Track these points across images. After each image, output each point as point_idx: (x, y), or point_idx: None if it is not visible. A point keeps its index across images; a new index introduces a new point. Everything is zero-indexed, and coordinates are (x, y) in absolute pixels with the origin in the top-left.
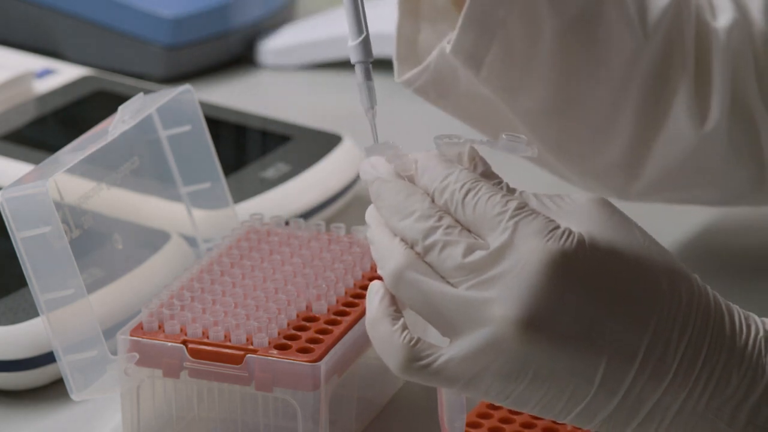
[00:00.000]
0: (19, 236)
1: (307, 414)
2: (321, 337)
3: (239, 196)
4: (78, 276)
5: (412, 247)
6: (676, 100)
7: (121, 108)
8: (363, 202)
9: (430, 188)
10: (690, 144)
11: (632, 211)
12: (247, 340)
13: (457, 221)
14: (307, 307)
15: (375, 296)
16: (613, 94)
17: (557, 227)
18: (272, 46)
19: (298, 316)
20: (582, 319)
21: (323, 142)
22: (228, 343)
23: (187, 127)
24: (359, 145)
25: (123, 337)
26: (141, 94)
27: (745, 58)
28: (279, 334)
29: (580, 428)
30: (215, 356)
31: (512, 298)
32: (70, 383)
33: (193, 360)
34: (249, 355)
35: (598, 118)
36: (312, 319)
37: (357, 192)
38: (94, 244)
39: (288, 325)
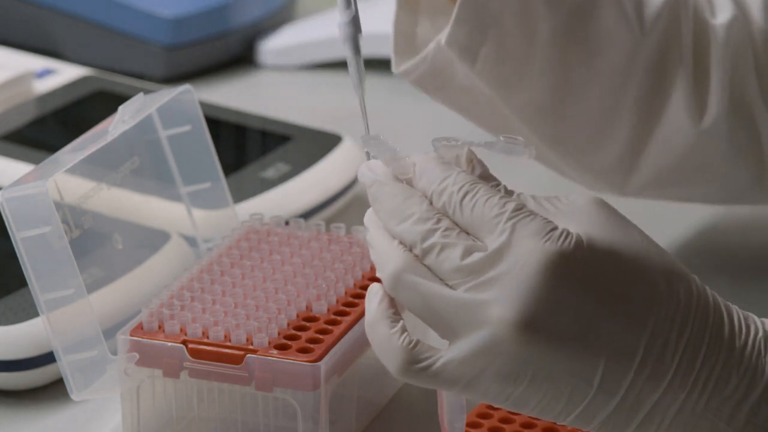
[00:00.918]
0: (19, 236)
1: (307, 414)
2: (321, 337)
3: (239, 196)
4: (78, 276)
5: (410, 250)
6: (674, 96)
7: (121, 108)
8: (363, 203)
9: (428, 191)
10: (688, 140)
11: (632, 210)
12: (247, 340)
13: (456, 223)
14: (307, 307)
15: (374, 299)
16: (609, 90)
17: (555, 228)
18: (272, 46)
19: (298, 316)
20: (580, 320)
21: (323, 142)
22: (228, 343)
23: (187, 127)
24: (359, 145)
25: (123, 337)
26: (141, 94)
27: (744, 55)
28: (279, 334)
29: (579, 430)
30: (215, 356)
31: (510, 299)
32: (70, 383)
33: (193, 360)
34: (249, 355)
35: (594, 113)
36: (312, 319)
37: (357, 192)
38: (94, 244)
39: (288, 325)
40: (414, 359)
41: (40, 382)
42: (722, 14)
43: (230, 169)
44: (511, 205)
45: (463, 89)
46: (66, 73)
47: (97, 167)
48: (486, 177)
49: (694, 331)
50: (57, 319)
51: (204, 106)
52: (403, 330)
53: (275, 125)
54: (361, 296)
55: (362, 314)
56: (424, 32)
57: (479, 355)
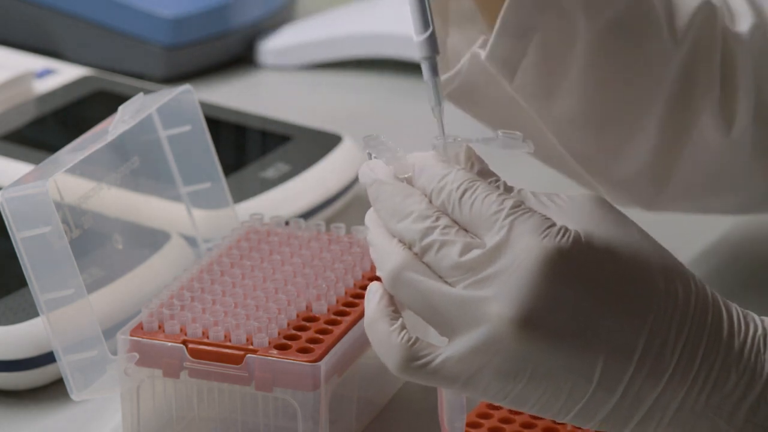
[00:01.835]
0: (19, 236)
1: (307, 414)
2: (321, 337)
3: (239, 196)
4: (78, 276)
5: (410, 248)
6: (704, 106)
7: (121, 108)
8: (363, 202)
9: (427, 189)
10: (717, 150)
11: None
12: (247, 340)
13: (455, 221)
14: (307, 307)
15: (373, 297)
16: (642, 101)
17: (553, 225)
18: (272, 46)
19: (298, 316)
20: (578, 317)
21: (323, 142)
22: (228, 343)
23: (187, 127)
24: (359, 145)
25: (123, 337)
26: (141, 94)
27: (766, 60)
28: (279, 334)
29: (580, 428)
30: (215, 356)
31: (508, 296)
32: (70, 383)
33: (193, 360)
34: (249, 355)
35: (626, 125)
36: (312, 319)
37: (357, 192)
38: (94, 244)
39: (288, 325)
40: (413, 356)
41: (40, 382)
42: (743, 22)
43: (230, 169)
44: (509, 203)
45: (497, 102)
46: (66, 73)
47: (97, 167)
48: (485, 173)
49: (693, 328)
50: (57, 319)
51: (204, 106)
52: (403, 327)
53: (275, 125)
54: (361, 296)
55: (362, 314)
56: (455, 43)
57: (478, 352)
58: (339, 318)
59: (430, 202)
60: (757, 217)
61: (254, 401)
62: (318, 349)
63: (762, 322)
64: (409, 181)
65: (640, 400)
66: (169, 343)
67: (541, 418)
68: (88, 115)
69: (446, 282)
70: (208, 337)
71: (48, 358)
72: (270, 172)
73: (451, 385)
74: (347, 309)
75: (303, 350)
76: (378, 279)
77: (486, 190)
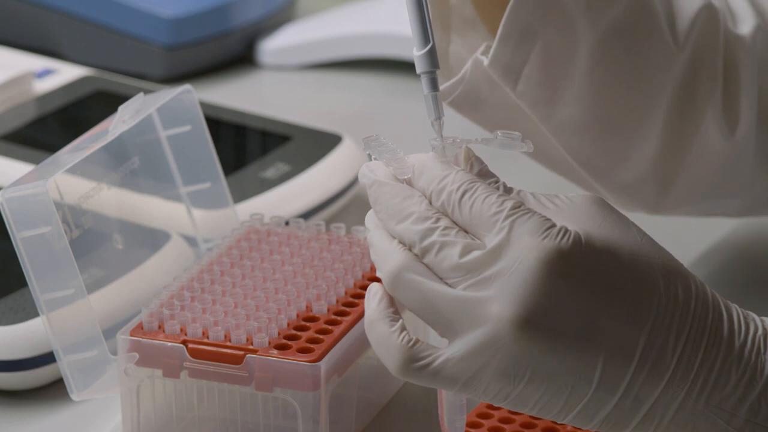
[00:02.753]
0: (19, 236)
1: (307, 414)
2: (321, 337)
3: (239, 196)
4: (78, 276)
5: (410, 249)
6: (707, 110)
7: (121, 108)
8: (363, 202)
9: (427, 190)
10: (720, 153)
11: (640, 218)
12: (247, 340)
13: (455, 222)
14: (307, 307)
15: (373, 298)
16: (645, 105)
17: (553, 226)
18: (272, 46)
19: (298, 316)
20: (578, 318)
21: (323, 142)
22: (228, 343)
23: (187, 127)
24: (359, 145)
25: (123, 337)
26: (141, 94)
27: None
28: (279, 334)
29: (580, 429)
30: (215, 356)
31: (509, 296)
32: (70, 383)
33: (193, 360)
34: (249, 355)
35: (629, 130)
36: (312, 319)
37: (357, 192)
38: (94, 244)
39: (288, 325)
40: (413, 357)
41: (40, 382)
42: (745, 24)
43: (230, 169)
44: (509, 203)
45: (498, 108)
46: (66, 73)
47: (97, 167)
48: (485, 174)
49: (693, 329)
50: (57, 319)
51: (204, 106)
52: (403, 328)
53: (275, 125)
54: (361, 296)
55: (362, 314)
56: (456, 50)
57: (478, 352)
58: (339, 318)
59: (430, 203)
60: (758, 219)
61: (254, 401)
62: (318, 349)
63: (762, 322)
64: (409, 182)
65: (641, 401)
66: (169, 343)
67: (541, 419)
68: (88, 115)
69: (446, 283)
70: (208, 337)
71: (48, 358)
72: (270, 172)
73: (452, 386)
74: (347, 309)
75: (303, 350)
76: (378, 280)
77: (486, 191)
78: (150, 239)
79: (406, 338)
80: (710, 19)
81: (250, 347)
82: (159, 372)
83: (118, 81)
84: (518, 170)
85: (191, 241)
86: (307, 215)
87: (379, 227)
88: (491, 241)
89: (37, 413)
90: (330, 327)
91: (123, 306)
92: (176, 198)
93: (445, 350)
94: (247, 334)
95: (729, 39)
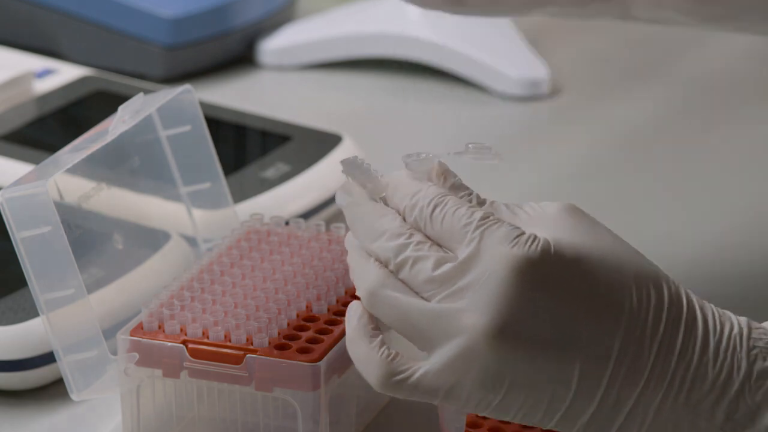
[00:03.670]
0: (19, 236)
1: (307, 414)
2: (321, 337)
3: (239, 196)
4: (78, 276)
5: (386, 266)
6: None
7: (121, 108)
8: None
9: (400, 207)
10: None
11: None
12: (247, 340)
13: (428, 237)
14: (307, 308)
15: (353, 316)
16: None
17: (522, 234)
18: (272, 46)
19: (298, 316)
20: (551, 324)
21: (323, 142)
22: (228, 343)
23: (187, 127)
24: (359, 146)
25: (123, 337)
26: (141, 94)
27: None
28: (279, 334)
29: None
30: (215, 356)
31: (481, 306)
32: (70, 383)
33: (193, 360)
34: (249, 355)
35: None
36: (312, 319)
37: None
38: (94, 244)
39: (288, 325)
40: (393, 371)
41: (40, 382)
42: None
43: (230, 169)
44: (478, 214)
45: None
46: (66, 73)
47: (97, 167)
48: (458, 187)
49: (667, 329)
50: (57, 319)
51: (204, 106)
52: (382, 344)
53: (275, 125)
54: None
55: None
56: None
57: (455, 363)
58: (339, 318)
59: (404, 220)
60: (746, 220)
61: (254, 401)
62: (318, 349)
63: (738, 321)
64: (385, 201)
65: (621, 403)
66: (169, 343)
67: None
68: (88, 115)
69: (422, 297)
70: (208, 337)
71: (48, 358)
72: (270, 172)
73: (433, 398)
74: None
75: (303, 350)
76: (359, 298)
77: (456, 204)
78: (150, 239)
79: (386, 353)
80: None
81: (250, 347)
82: (159, 372)
83: (118, 81)
84: (492, 181)
85: (191, 241)
86: (307, 215)
87: (356, 247)
88: (462, 252)
89: (37, 413)
90: (330, 327)
91: (123, 306)
92: (176, 198)
93: (424, 363)
94: (247, 334)
95: None
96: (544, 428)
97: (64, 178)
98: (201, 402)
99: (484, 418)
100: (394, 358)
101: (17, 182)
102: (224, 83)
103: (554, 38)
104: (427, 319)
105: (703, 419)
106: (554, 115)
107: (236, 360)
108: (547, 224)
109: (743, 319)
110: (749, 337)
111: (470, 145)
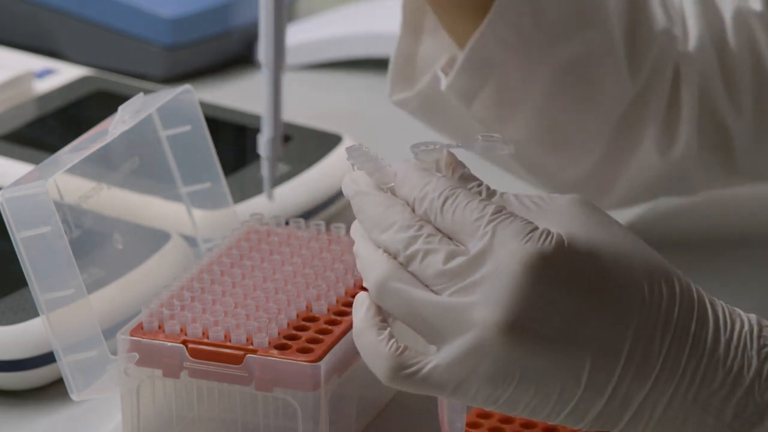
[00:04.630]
0: (19, 236)
1: (307, 414)
2: (321, 337)
3: (239, 196)
4: (78, 276)
5: (394, 258)
6: (648, 131)
7: (121, 108)
8: None
9: (409, 198)
10: (658, 167)
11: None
12: (247, 340)
13: (438, 229)
14: (307, 307)
15: (360, 307)
16: (592, 128)
17: (535, 229)
18: None
19: (298, 316)
20: (563, 320)
21: (323, 142)
22: (228, 343)
23: (187, 127)
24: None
25: (123, 337)
26: (141, 94)
27: (712, 70)
28: (279, 334)
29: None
30: (215, 356)
31: (493, 301)
32: (70, 383)
33: (193, 360)
34: (249, 355)
35: (575, 146)
36: (312, 319)
37: None
38: (94, 244)
39: (288, 325)
40: (402, 365)
41: (40, 382)
42: (692, 38)
43: (230, 169)
44: (490, 208)
45: (454, 116)
46: (66, 73)
47: (97, 167)
48: (467, 178)
49: (678, 327)
50: (57, 319)
51: (204, 106)
52: (390, 336)
53: None
54: None
55: None
56: (426, 51)
57: (466, 358)
58: (339, 318)
59: (413, 211)
60: (750, 218)
61: (254, 401)
62: (318, 349)
63: (749, 318)
64: (392, 191)
65: (629, 400)
66: (169, 343)
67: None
68: (88, 115)
69: (432, 290)
70: (208, 337)
71: (48, 358)
72: None
73: (441, 392)
74: (347, 309)
75: (303, 350)
76: (366, 289)
77: (467, 197)
78: (150, 239)
79: (394, 346)
80: (667, 44)
81: (250, 347)
82: (159, 372)
83: (118, 81)
84: (499, 173)
85: (191, 241)
86: (307, 215)
87: (364, 237)
88: (474, 246)
89: (37, 413)
90: (330, 327)
91: (123, 306)
92: (176, 198)
93: (433, 357)
94: (247, 334)
95: (678, 61)
96: (551, 423)
97: (64, 178)
98: (201, 402)
99: (485, 417)
100: (402, 352)
101: (17, 182)
102: (224, 83)
103: None
104: (437, 312)
105: (711, 416)
106: None
107: (236, 360)
108: (558, 218)
109: (753, 317)
110: (759, 335)
111: (480, 137)
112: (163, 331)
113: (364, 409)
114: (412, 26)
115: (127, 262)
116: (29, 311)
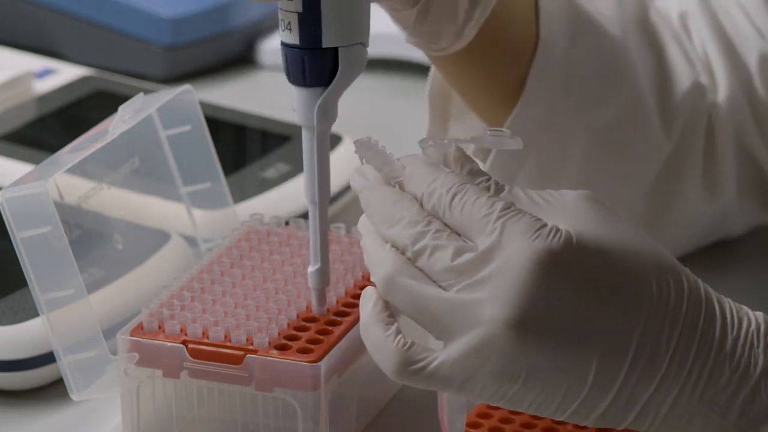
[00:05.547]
0: (19, 236)
1: (307, 414)
2: (321, 337)
3: (239, 196)
4: (78, 276)
5: (402, 253)
6: (687, 186)
7: (121, 108)
8: None
9: (417, 193)
10: (701, 219)
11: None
12: (247, 340)
13: (446, 225)
14: (307, 308)
15: (368, 302)
16: (632, 186)
17: (544, 226)
18: (272, 46)
19: (298, 316)
20: (571, 317)
21: None
22: (228, 344)
23: (187, 127)
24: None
25: (123, 337)
26: (141, 94)
27: (744, 118)
28: (279, 334)
29: (579, 428)
30: (215, 356)
31: (501, 298)
32: (70, 383)
33: (193, 360)
34: (249, 355)
35: (615, 204)
36: (312, 319)
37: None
38: (94, 244)
39: (288, 325)
40: (409, 361)
41: (40, 382)
42: (721, 88)
43: (230, 169)
44: (499, 205)
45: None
46: (66, 73)
47: (97, 167)
48: (475, 173)
49: (686, 325)
50: (57, 319)
51: (204, 106)
52: (398, 332)
53: (275, 125)
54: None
55: None
56: (455, 134)
57: (473, 354)
58: (339, 318)
59: (421, 206)
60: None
61: (254, 401)
62: (318, 349)
63: (756, 317)
64: (401, 185)
65: (635, 398)
66: (169, 343)
67: (541, 418)
68: (88, 115)
69: (440, 286)
70: (208, 338)
71: (48, 358)
72: (270, 172)
73: (448, 388)
74: (347, 309)
75: (303, 350)
76: (373, 284)
77: (476, 193)
78: (150, 239)
79: (402, 341)
80: (698, 97)
81: (250, 347)
82: (159, 372)
83: (118, 81)
84: None
85: (191, 241)
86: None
87: (371, 232)
88: (483, 243)
89: (37, 413)
90: (330, 327)
91: (123, 306)
92: (176, 198)
93: (441, 353)
94: (247, 334)
95: (710, 112)
96: (556, 419)
97: (64, 178)
98: (201, 402)
99: (485, 418)
100: (410, 347)
101: (17, 182)
102: (224, 83)
103: None
104: (445, 308)
105: (717, 414)
106: None
107: (236, 360)
108: (567, 214)
109: (760, 315)
110: (766, 333)
111: (488, 131)
112: (163, 331)
113: (364, 409)
114: (439, 113)
115: (127, 262)
116: (29, 311)
